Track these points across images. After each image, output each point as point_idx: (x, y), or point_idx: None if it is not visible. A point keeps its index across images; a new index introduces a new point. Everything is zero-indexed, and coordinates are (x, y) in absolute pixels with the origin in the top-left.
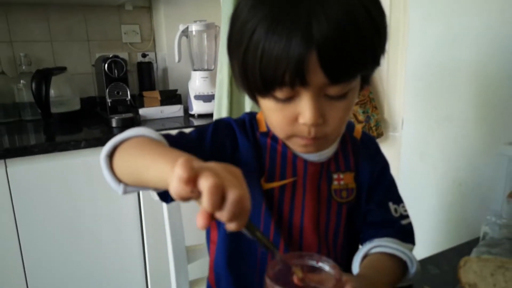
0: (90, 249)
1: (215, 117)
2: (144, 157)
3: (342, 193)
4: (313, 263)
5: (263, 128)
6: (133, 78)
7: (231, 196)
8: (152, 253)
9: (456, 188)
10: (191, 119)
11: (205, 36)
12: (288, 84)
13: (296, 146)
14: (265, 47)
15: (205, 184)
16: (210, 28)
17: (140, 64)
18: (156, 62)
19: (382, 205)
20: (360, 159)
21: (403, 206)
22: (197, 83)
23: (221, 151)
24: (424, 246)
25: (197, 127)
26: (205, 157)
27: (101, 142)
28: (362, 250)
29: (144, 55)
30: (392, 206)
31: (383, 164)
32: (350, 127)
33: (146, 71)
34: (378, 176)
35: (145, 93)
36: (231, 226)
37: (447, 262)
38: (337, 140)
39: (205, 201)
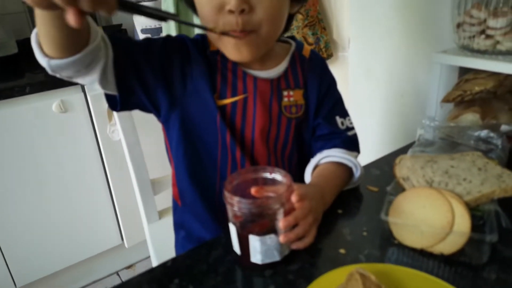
0: (55, 196)
1: None
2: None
3: (292, 109)
4: (266, 175)
5: (213, 47)
6: None
7: None
8: (118, 190)
9: (398, 100)
10: None
11: None
12: None
13: (230, 48)
14: None
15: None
16: None
17: None
18: None
19: (329, 119)
20: (308, 76)
21: (349, 119)
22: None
23: (170, 61)
24: (370, 155)
25: None
26: (153, 61)
27: (48, 86)
28: (313, 161)
29: None
30: (339, 119)
31: (330, 81)
32: (299, 46)
33: None
34: (325, 92)
35: None
36: (102, 12)
37: (387, 164)
38: (287, 59)
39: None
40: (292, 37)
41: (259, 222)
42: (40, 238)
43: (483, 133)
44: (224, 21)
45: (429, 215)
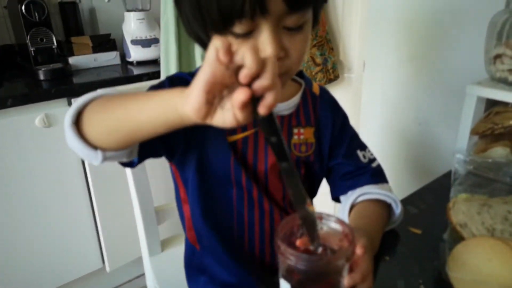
0: (33, 216)
1: (162, 64)
2: (131, 103)
3: (302, 147)
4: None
5: None
6: (56, 22)
7: (269, 58)
8: (102, 211)
9: (416, 127)
10: (130, 67)
11: None
12: (248, 15)
13: None
14: None
15: (245, 46)
16: None
17: (62, 4)
18: (80, 1)
19: (350, 156)
20: (320, 114)
21: (369, 151)
22: (132, 26)
23: None
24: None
25: (137, 75)
26: None
27: (31, 99)
28: (348, 201)
29: None
30: (360, 153)
31: (343, 118)
32: (309, 83)
33: (70, 13)
34: (340, 129)
35: (73, 39)
36: (269, 99)
37: (421, 200)
38: (299, 95)
39: (249, 59)
40: (300, 72)
41: (322, 280)
42: (16, 261)
43: None
44: None
45: (497, 270)
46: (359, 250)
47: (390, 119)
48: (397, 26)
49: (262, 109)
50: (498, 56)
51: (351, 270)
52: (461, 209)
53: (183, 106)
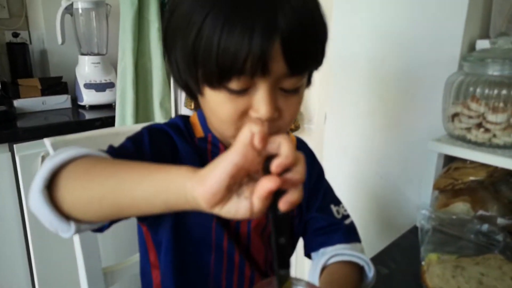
0: None
1: (118, 109)
2: (124, 174)
3: None
4: None
5: (199, 134)
6: (3, 62)
7: (302, 155)
8: (40, 264)
9: (377, 181)
10: (81, 111)
11: (94, 15)
12: (248, 73)
13: None
14: (222, 35)
15: (282, 136)
16: (100, 6)
17: (10, 45)
18: (31, 43)
19: (324, 210)
20: None
21: (343, 207)
22: (86, 70)
23: (162, 159)
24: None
25: (89, 120)
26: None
27: None
28: (319, 262)
29: (15, 35)
30: (333, 208)
31: (319, 171)
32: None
33: (19, 53)
34: (315, 182)
35: (20, 81)
36: (294, 195)
37: (391, 259)
38: None
39: (287, 149)
40: None
41: None
42: None
43: (484, 227)
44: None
45: None
46: None
47: (352, 171)
48: (358, 82)
49: (284, 205)
50: (456, 115)
51: None
52: (436, 272)
53: (195, 188)
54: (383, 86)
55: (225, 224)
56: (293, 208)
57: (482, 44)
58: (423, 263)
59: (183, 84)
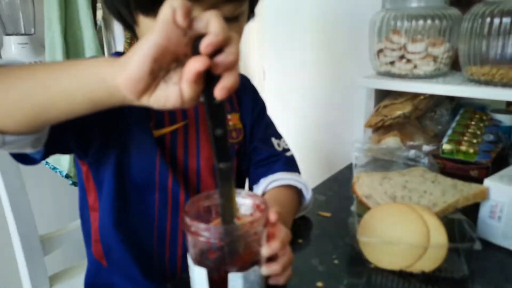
0: None
1: None
2: (43, 72)
3: (233, 133)
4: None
5: None
6: None
7: (234, 33)
8: None
9: (317, 129)
10: None
11: None
12: None
13: None
14: None
15: (211, 12)
16: None
17: None
18: None
19: (265, 141)
20: (242, 99)
21: (284, 141)
22: (13, 51)
23: None
24: None
25: None
26: None
27: None
28: (259, 188)
29: None
30: (274, 141)
31: (262, 105)
32: None
33: None
34: (258, 114)
35: None
36: (230, 80)
37: (328, 188)
38: None
39: (216, 26)
40: None
41: (241, 253)
42: None
43: (411, 153)
44: None
45: (403, 232)
46: (272, 216)
47: (293, 123)
48: (290, 36)
49: (219, 92)
50: (380, 51)
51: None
52: (365, 182)
53: (116, 76)
54: (314, 36)
55: (171, 160)
56: (228, 97)
57: None
58: (354, 178)
59: (117, 15)
